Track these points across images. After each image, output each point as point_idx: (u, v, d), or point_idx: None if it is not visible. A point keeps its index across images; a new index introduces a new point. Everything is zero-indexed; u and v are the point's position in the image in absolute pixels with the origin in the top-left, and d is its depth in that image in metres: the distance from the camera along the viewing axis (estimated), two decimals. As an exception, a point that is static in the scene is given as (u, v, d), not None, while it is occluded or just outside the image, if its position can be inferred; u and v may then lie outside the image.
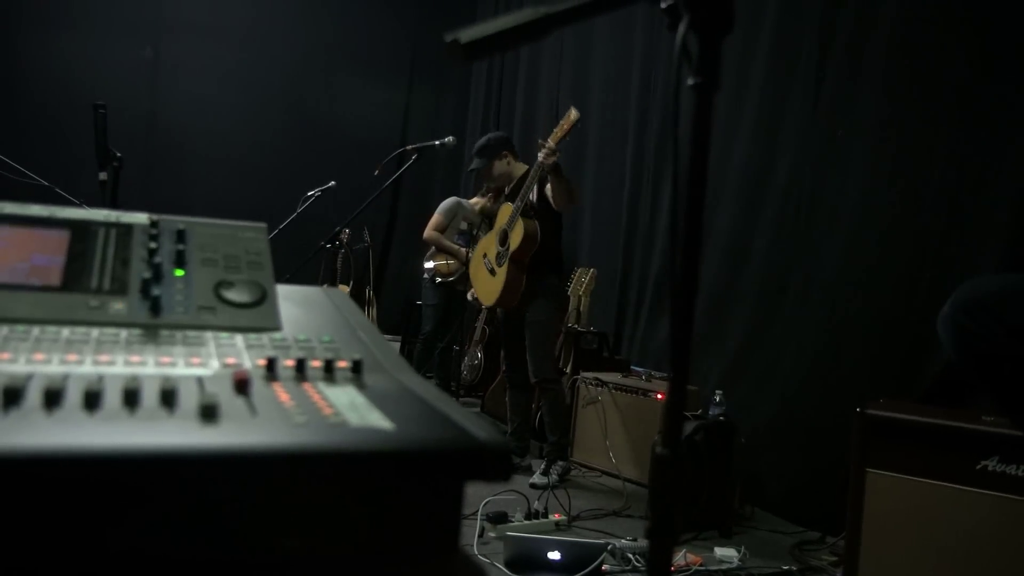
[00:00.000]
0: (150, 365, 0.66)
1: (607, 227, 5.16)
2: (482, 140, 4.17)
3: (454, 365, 5.60)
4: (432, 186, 7.10)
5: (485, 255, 4.03)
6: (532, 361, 3.83)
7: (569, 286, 4.72)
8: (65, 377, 0.59)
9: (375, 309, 6.53)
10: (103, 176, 2.86)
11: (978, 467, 2.17)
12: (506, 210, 3.85)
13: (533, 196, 3.79)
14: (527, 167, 3.98)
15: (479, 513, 3.00)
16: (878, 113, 3.33)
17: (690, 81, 0.78)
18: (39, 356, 0.65)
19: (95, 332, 0.71)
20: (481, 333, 5.40)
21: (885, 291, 3.23)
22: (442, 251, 5.30)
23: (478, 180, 4.43)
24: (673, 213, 0.79)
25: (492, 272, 3.94)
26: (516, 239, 3.74)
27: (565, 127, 3.50)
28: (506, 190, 4.05)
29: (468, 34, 0.77)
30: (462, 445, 0.57)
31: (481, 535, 2.89)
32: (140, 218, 0.85)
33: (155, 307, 0.75)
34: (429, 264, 5.44)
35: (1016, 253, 2.78)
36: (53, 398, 0.54)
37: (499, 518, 2.98)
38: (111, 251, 0.80)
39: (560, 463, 3.86)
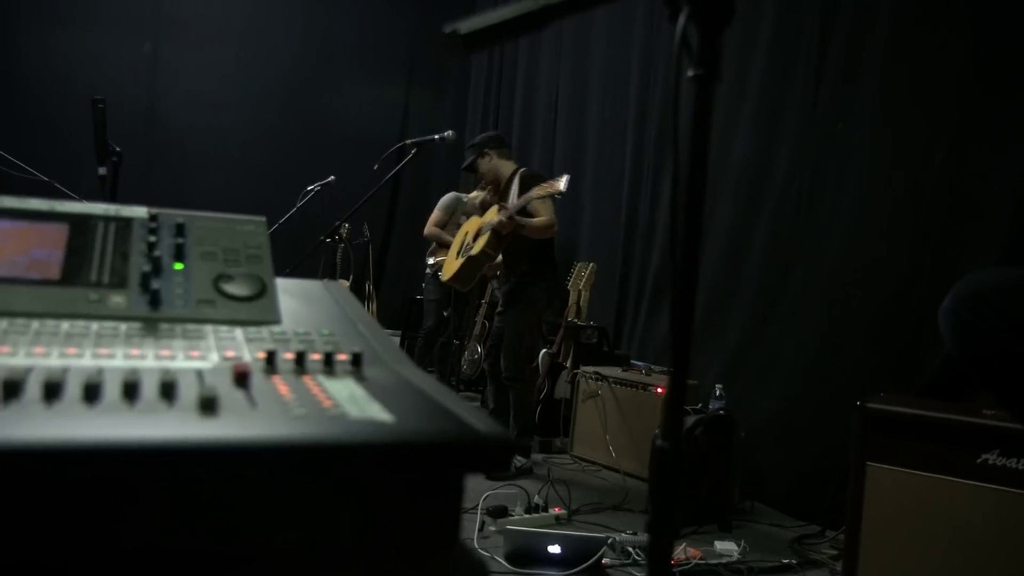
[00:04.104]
0: (149, 358, 0.66)
1: (607, 221, 5.16)
2: (472, 139, 4.37)
3: (454, 360, 5.61)
4: (431, 181, 7.08)
5: (466, 233, 4.19)
6: (503, 358, 3.97)
7: (568, 280, 4.72)
8: (65, 370, 0.59)
9: (375, 304, 6.52)
10: (102, 171, 2.85)
11: (979, 461, 2.17)
12: (492, 212, 3.96)
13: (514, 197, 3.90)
14: (515, 166, 4.13)
15: (479, 507, 3.01)
16: (878, 106, 3.33)
17: (690, 73, 0.78)
18: (39, 349, 0.65)
19: (95, 325, 0.71)
20: (481, 328, 5.40)
21: (885, 285, 3.23)
22: (443, 246, 5.30)
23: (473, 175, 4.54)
24: (673, 206, 0.79)
25: (457, 254, 4.17)
26: (477, 248, 3.90)
27: (546, 194, 3.66)
28: (501, 185, 4.11)
29: (467, 25, 0.77)
30: (462, 437, 0.57)
31: (481, 529, 2.90)
32: (139, 212, 0.85)
33: (154, 300, 0.75)
34: (431, 260, 5.45)
35: (1017, 247, 2.78)
36: (53, 391, 0.54)
37: (499, 512, 2.98)
38: (110, 245, 0.80)
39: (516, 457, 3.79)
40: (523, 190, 3.87)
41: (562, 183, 3.57)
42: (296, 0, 6.94)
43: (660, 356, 4.43)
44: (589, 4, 0.82)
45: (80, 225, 0.81)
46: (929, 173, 3.12)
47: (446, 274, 4.22)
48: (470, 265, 4.00)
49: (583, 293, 4.66)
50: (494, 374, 4.11)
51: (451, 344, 5.60)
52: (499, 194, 4.09)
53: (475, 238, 4.01)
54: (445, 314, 5.49)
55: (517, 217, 3.74)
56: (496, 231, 3.79)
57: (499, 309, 4.12)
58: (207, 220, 0.87)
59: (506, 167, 4.10)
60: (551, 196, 3.72)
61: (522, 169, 4.10)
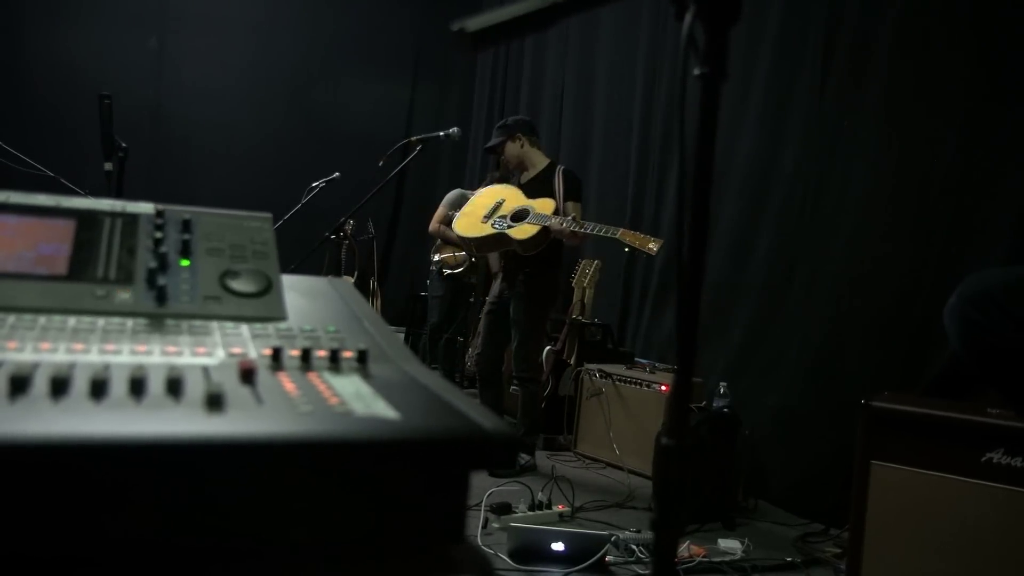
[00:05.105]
0: (156, 354, 0.67)
1: (612, 219, 5.13)
2: (504, 120, 4.25)
3: (458, 357, 5.62)
4: (436, 177, 7.10)
5: (502, 201, 3.95)
6: (516, 359, 3.93)
7: (573, 277, 4.72)
8: (71, 366, 0.59)
9: (379, 301, 6.53)
10: (108, 166, 2.86)
11: (983, 459, 2.16)
12: (546, 205, 3.77)
13: (559, 193, 3.81)
14: (548, 159, 4.06)
15: (483, 504, 3.01)
16: (883, 105, 3.32)
17: (697, 71, 0.77)
18: (45, 345, 0.65)
19: (101, 321, 0.71)
20: (485, 325, 5.40)
21: (890, 283, 3.22)
22: (448, 243, 5.30)
23: (492, 157, 4.46)
24: (680, 204, 0.79)
25: (484, 220, 3.91)
26: (519, 234, 3.73)
27: (634, 243, 3.46)
28: (522, 178, 4.04)
29: (475, 23, 0.76)
30: (468, 434, 0.57)
31: (485, 526, 2.90)
32: (146, 208, 0.85)
33: (161, 296, 0.75)
34: (436, 256, 5.45)
35: (1022, 246, 2.77)
36: (59, 386, 0.54)
37: (503, 509, 2.98)
38: (117, 240, 0.80)
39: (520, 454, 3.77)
40: (567, 189, 3.83)
41: (655, 246, 3.42)
42: (302, -4, 6.96)
43: (664, 354, 4.43)
44: (596, 2, 0.82)
45: (87, 221, 0.81)
46: (934, 172, 3.11)
47: (462, 229, 3.97)
48: (496, 240, 3.84)
49: (587, 290, 4.66)
50: (492, 376, 4.08)
51: (455, 341, 5.61)
52: (528, 184, 3.96)
53: (514, 217, 3.81)
54: (472, 297, 5.43)
55: (579, 231, 3.59)
56: (547, 230, 3.66)
57: (493, 306, 4.05)
58: (213, 216, 0.87)
59: (538, 157, 4.04)
60: (625, 241, 3.49)
61: (561, 166, 4.03)
